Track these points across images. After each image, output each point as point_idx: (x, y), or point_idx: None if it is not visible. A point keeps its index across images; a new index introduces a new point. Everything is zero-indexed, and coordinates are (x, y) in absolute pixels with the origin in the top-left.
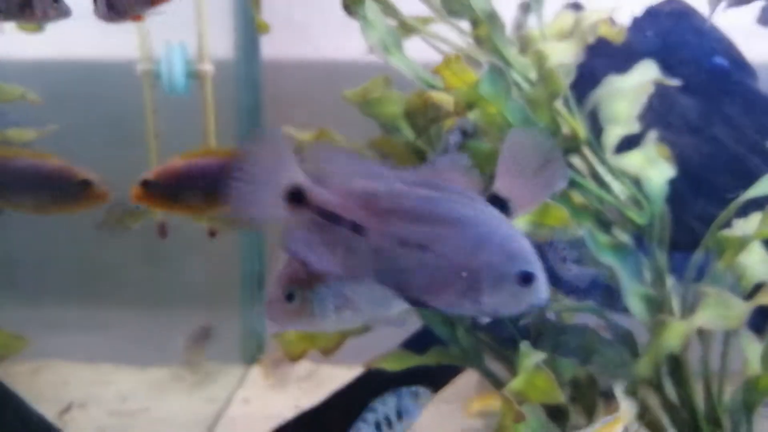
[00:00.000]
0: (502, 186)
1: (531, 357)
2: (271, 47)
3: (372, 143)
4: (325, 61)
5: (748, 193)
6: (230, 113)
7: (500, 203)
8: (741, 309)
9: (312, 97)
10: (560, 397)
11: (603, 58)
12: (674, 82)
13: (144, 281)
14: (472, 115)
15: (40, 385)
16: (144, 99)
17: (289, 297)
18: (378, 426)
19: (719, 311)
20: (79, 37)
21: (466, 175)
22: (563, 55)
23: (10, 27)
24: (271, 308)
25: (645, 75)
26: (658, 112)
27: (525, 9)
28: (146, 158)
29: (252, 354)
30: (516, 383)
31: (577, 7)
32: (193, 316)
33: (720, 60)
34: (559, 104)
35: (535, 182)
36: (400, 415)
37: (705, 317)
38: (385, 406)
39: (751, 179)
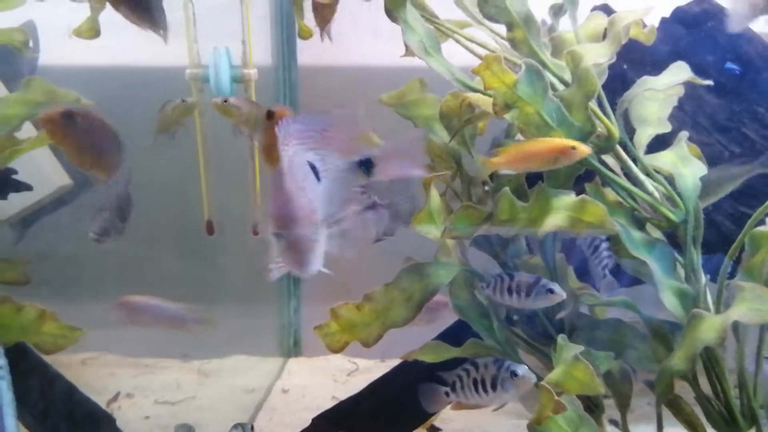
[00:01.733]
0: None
1: (569, 349)
2: (307, 54)
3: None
4: (357, 66)
5: None
6: (269, 91)
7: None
8: None
9: (345, 99)
10: (599, 387)
11: (632, 59)
12: (706, 82)
13: (184, 277)
14: (510, 115)
15: (89, 377)
16: (194, 101)
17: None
18: (475, 383)
19: (755, 305)
20: (132, 45)
21: None
22: (598, 56)
23: (65, 34)
24: None
25: (677, 76)
26: (687, 113)
27: (557, 12)
28: (195, 158)
29: (289, 347)
30: (555, 374)
31: (606, 9)
32: (232, 310)
33: (732, 66)
34: (593, 104)
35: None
36: (494, 384)
37: (740, 311)
38: (486, 370)
39: None
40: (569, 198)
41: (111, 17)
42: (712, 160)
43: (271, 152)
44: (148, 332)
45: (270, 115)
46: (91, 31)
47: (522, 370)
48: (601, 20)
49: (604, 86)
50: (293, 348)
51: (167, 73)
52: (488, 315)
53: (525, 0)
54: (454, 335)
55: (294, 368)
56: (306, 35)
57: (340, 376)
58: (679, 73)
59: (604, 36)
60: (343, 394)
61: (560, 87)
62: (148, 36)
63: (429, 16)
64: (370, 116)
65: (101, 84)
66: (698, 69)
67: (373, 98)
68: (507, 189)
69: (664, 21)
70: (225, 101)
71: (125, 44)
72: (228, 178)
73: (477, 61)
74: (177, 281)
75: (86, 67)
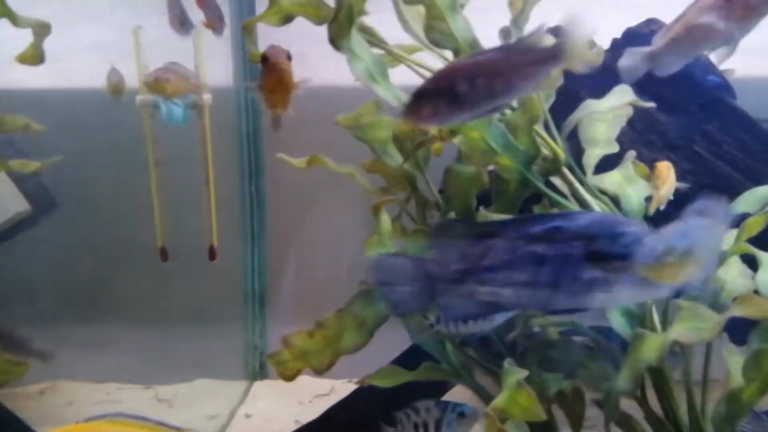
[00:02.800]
0: None
1: (514, 374)
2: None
3: (364, 166)
4: (322, 86)
5: None
6: (231, 138)
7: None
8: (715, 321)
9: (311, 120)
10: (542, 414)
11: (585, 79)
12: (649, 104)
13: (148, 300)
14: (456, 140)
15: (45, 408)
16: (144, 129)
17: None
18: (416, 427)
19: (694, 324)
20: (81, 67)
21: None
22: None
23: (10, 58)
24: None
25: (621, 98)
26: (638, 131)
27: (506, 35)
28: (147, 186)
29: (254, 370)
30: (499, 401)
31: (558, 31)
32: (197, 333)
33: (714, 78)
34: (539, 127)
35: None
36: (438, 427)
37: (680, 330)
38: (428, 414)
39: (735, 196)
40: None
41: (66, 40)
42: None
43: (273, 97)
44: (110, 356)
45: (265, 60)
46: (34, 57)
47: (468, 409)
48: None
49: (555, 105)
50: (259, 371)
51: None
52: (441, 339)
53: (470, 26)
54: (409, 359)
55: (259, 392)
56: (254, 60)
57: (306, 398)
58: (622, 96)
59: None
60: (308, 417)
61: (508, 111)
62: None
63: (377, 42)
64: (336, 136)
65: (55, 107)
66: (648, 88)
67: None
68: (453, 215)
69: (615, 41)
70: (156, 79)
71: (81, 67)
72: (187, 202)
73: None
74: (139, 304)
75: (38, 90)
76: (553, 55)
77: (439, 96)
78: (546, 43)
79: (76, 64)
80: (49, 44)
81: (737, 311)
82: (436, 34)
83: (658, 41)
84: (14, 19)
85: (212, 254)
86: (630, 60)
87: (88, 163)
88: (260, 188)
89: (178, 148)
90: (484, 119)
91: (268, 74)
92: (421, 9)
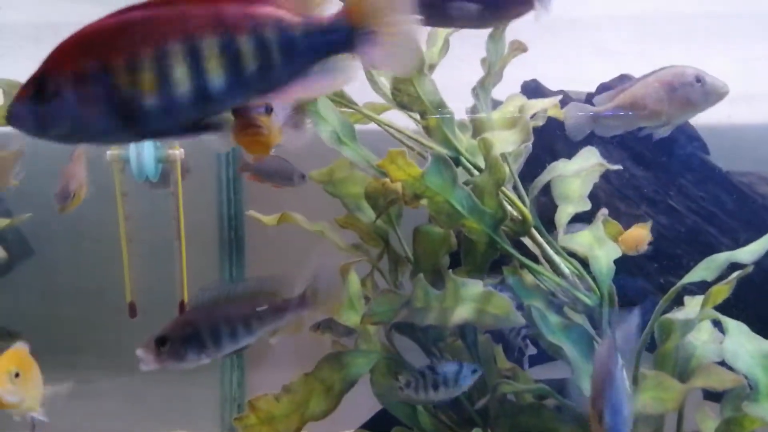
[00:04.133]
0: None
1: None
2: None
3: (337, 222)
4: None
5: (685, 279)
6: (210, 185)
7: None
8: (678, 391)
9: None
10: None
11: (562, 136)
12: (615, 167)
13: (123, 348)
14: (423, 203)
15: None
16: (114, 183)
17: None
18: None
19: (657, 393)
20: None
21: None
22: (507, 144)
23: None
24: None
25: (587, 161)
26: (614, 185)
27: (476, 93)
28: (117, 242)
29: (230, 421)
30: None
31: (535, 84)
32: (174, 383)
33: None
34: (508, 188)
35: None
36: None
37: (644, 400)
38: None
39: (709, 251)
40: (476, 289)
41: None
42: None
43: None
44: (87, 404)
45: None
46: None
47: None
48: (518, 102)
49: (531, 161)
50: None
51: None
52: (412, 403)
53: (436, 89)
54: (379, 423)
55: None
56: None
57: None
58: (588, 158)
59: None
60: None
61: (476, 172)
62: None
63: (346, 102)
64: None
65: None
66: (623, 142)
67: (319, 163)
68: (422, 276)
69: (590, 96)
70: None
71: None
72: (155, 256)
73: None
74: (113, 352)
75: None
76: (300, 304)
77: (184, 341)
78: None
79: None
80: None
81: (699, 382)
82: (403, 96)
83: (604, 104)
84: None
85: (182, 310)
86: (574, 119)
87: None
88: (239, 235)
89: (150, 200)
90: (449, 182)
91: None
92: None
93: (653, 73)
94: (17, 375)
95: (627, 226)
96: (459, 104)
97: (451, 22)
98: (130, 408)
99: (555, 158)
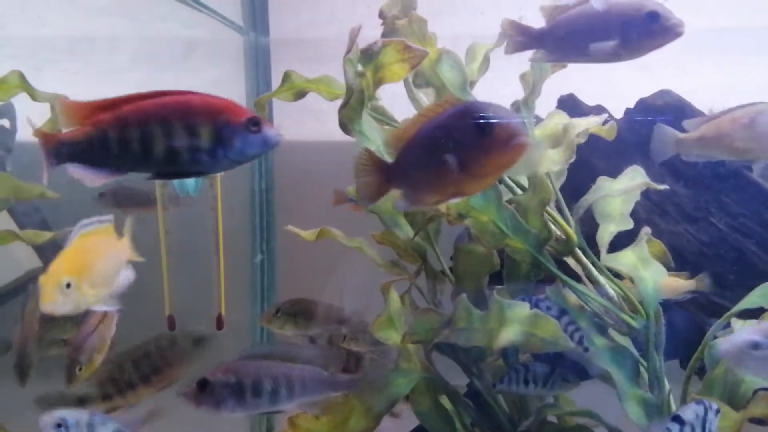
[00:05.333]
0: None
1: None
2: (283, 130)
3: (375, 238)
4: (336, 142)
5: (740, 304)
6: (243, 196)
7: None
8: (735, 420)
9: (323, 177)
10: None
11: (598, 147)
12: (661, 187)
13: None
14: (467, 222)
15: None
16: (156, 197)
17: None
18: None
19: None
20: None
21: None
22: (552, 163)
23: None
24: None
25: (633, 181)
26: (654, 202)
27: (517, 109)
28: (154, 255)
29: None
30: None
31: (571, 99)
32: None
33: None
34: (551, 207)
35: None
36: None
37: None
38: None
39: (751, 270)
40: (523, 310)
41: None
42: (681, 250)
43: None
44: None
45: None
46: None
47: None
48: (560, 119)
49: (569, 175)
50: None
51: None
52: (452, 422)
53: None
54: None
55: None
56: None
57: None
58: (635, 177)
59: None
60: None
61: (518, 191)
62: None
63: (388, 120)
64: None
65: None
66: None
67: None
68: (464, 296)
69: (628, 111)
70: None
71: None
72: (192, 271)
73: None
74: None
75: None
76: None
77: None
78: None
79: None
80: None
81: (758, 411)
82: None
83: (690, 132)
84: (33, 94)
85: (219, 324)
86: (660, 143)
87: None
88: (271, 247)
89: (187, 213)
90: (493, 202)
91: None
92: (431, 89)
93: (742, 107)
94: (68, 285)
95: (667, 243)
96: None
97: (589, 60)
98: (158, 422)
99: (592, 171)
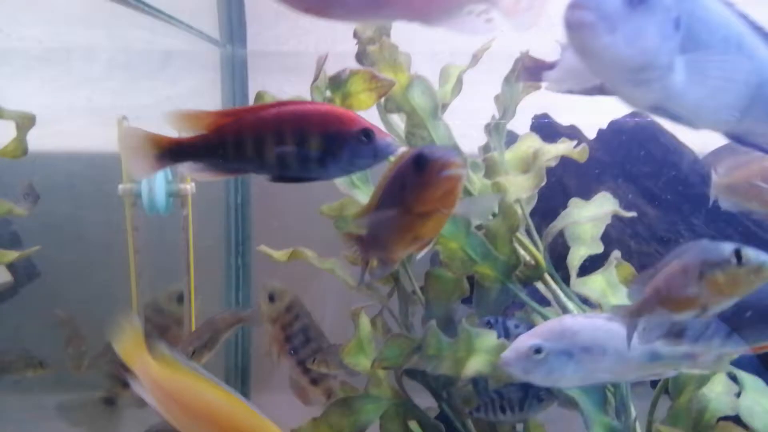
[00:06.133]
0: None
1: None
2: None
3: (347, 259)
4: None
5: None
6: (218, 211)
7: None
8: None
9: (301, 191)
10: None
11: (570, 167)
12: (629, 214)
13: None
14: (437, 247)
15: None
16: (125, 217)
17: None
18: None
19: None
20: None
21: None
22: (521, 190)
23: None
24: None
25: (602, 208)
26: (625, 223)
27: (489, 132)
28: (127, 274)
29: None
30: None
31: (546, 118)
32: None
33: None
34: (520, 232)
35: None
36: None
37: None
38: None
39: None
40: (491, 340)
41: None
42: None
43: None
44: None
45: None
46: (17, 150)
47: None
48: (532, 143)
49: (540, 194)
50: None
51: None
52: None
53: (450, 132)
54: None
55: None
56: None
57: None
58: (603, 204)
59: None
60: None
61: (490, 218)
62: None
63: None
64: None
65: (50, 170)
66: (635, 180)
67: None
68: (433, 323)
69: (601, 132)
70: None
71: (77, 130)
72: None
73: None
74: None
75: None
76: None
77: None
78: None
79: (71, 127)
80: (44, 107)
81: None
82: (417, 140)
83: (720, 174)
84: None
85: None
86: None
87: (67, 253)
88: (246, 261)
89: (160, 232)
90: (462, 229)
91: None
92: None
93: None
94: None
95: (638, 264)
96: (471, 138)
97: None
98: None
99: (565, 192)
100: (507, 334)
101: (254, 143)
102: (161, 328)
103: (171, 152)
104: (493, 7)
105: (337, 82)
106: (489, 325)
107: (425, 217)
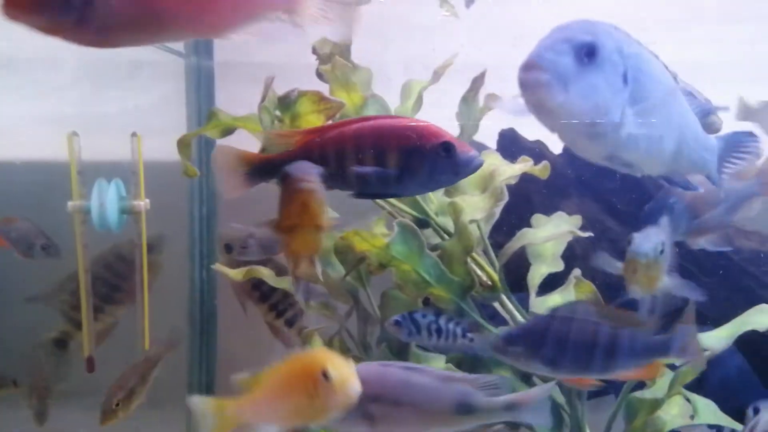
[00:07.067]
0: None
1: None
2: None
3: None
4: None
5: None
6: (181, 224)
7: None
8: None
9: (271, 203)
10: None
11: (539, 183)
12: (587, 234)
13: (95, 388)
14: (391, 271)
15: None
16: (75, 234)
17: None
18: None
19: None
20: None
21: None
22: (476, 211)
23: None
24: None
25: (558, 228)
26: (590, 238)
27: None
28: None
29: None
30: None
31: (512, 133)
32: (141, 421)
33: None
34: (478, 252)
35: None
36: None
37: None
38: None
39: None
40: (439, 363)
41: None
42: (617, 286)
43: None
44: None
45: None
46: None
47: None
48: (492, 161)
49: (506, 207)
50: None
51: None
52: None
53: None
54: None
55: None
56: (191, 174)
57: None
58: (559, 224)
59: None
60: None
61: (446, 236)
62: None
63: None
64: None
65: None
66: (600, 196)
67: None
68: (384, 346)
69: (566, 148)
70: None
71: (40, 140)
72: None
73: None
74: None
75: None
76: None
77: None
78: None
79: (32, 137)
80: (6, 117)
81: None
82: None
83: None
84: None
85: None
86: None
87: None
88: (212, 275)
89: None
90: (416, 251)
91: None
92: None
93: None
94: None
95: (602, 280)
96: None
97: None
98: None
99: (531, 206)
100: (417, 329)
101: (336, 159)
102: (120, 276)
103: (260, 170)
104: (295, 15)
105: (286, 102)
106: (398, 324)
107: (293, 231)
